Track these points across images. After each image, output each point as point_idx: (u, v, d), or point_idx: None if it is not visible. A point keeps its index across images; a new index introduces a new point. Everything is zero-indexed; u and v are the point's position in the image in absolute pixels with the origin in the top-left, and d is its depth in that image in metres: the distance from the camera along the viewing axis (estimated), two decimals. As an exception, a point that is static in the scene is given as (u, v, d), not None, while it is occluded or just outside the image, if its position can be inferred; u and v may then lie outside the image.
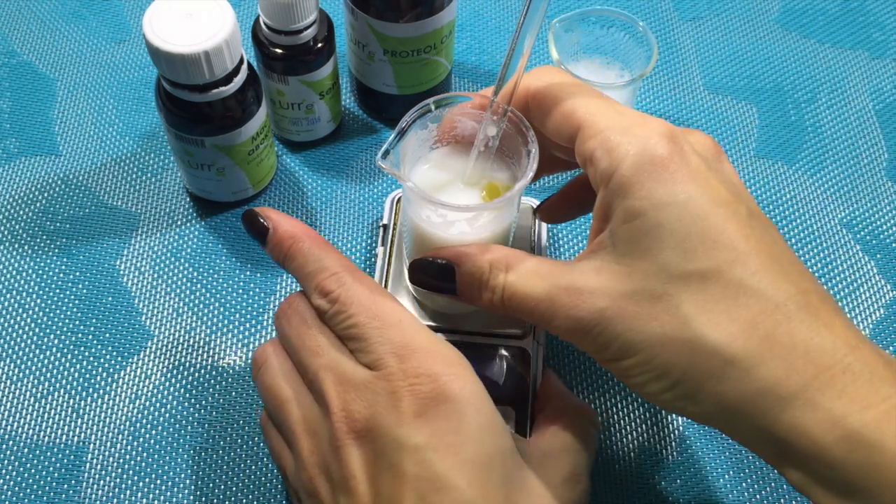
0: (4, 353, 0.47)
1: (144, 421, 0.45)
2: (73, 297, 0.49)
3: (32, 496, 0.43)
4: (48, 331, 0.48)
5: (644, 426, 0.46)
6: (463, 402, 0.31)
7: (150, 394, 0.46)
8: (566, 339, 0.32)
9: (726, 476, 0.45)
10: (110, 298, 0.49)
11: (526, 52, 0.33)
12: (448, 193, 0.39)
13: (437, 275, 0.36)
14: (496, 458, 0.31)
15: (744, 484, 0.44)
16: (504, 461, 0.32)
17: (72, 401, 0.46)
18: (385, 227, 0.46)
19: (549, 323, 0.32)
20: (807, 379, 0.28)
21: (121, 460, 0.44)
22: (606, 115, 0.32)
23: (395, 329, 0.33)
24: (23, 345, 0.47)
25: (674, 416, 0.46)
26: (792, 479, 0.29)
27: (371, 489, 0.31)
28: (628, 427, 0.46)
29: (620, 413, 0.46)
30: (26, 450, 0.44)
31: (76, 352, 0.47)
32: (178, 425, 0.45)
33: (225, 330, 0.48)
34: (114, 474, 0.43)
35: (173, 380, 0.46)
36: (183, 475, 0.44)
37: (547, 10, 0.33)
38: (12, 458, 0.44)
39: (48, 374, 0.46)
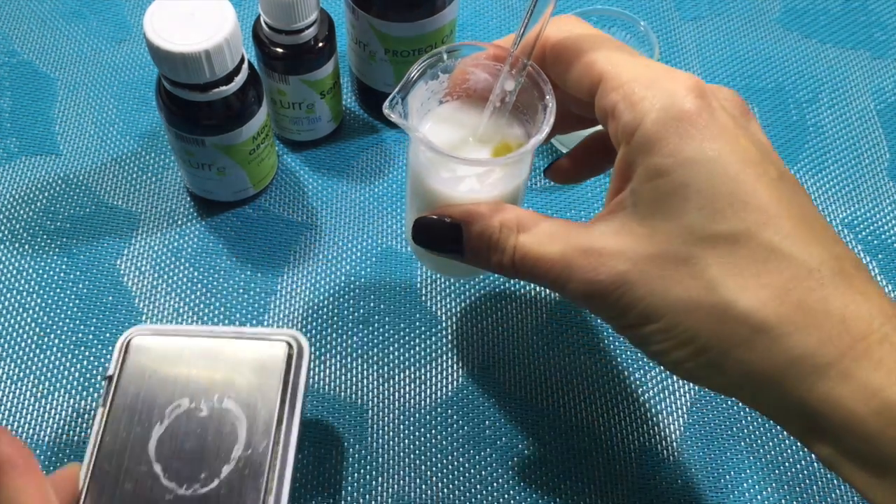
0: (5, 353, 0.47)
1: (145, 421, 0.45)
2: (73, 296, 0.49)
3: (33, 496, 0.43)
4: (48, 330, 0.48)
5: (644, 426, 0.46)
6: None
7: (150, 393, 0.46)
8: (581, 305, 0.31)
9: (727, 476, 0.44)
10: (111, 298, 0.49)
11: (552, 2, 0.31)
12: (458, 149, 0.36)
13: (443, 234, 0.34)
14: None
15: (745, 485, 0.44)
16: None
17: (72, 400, 0.46)
18: (109, 378, 0.38)
19: (564, 286, 0.31)
20: (842, 349, 0.27)
21: (121, 460, 0.44)
22: (630, 66, 0.30)
23: None
24: (23, 344, 0.47)
25: (674, 416, 0.46)
26: (821, 453, 0.28)
27: None
28: (628, 427, 0.46)
29: (621, 413, 0.46)
30: (27, 449, 0.44)
31: (76, 351, 0.47)
32: (178, 425, 0.45)
33: (225, 329, 0.48)
34: (114, 474, 0.43)
35: (174, 379, 0.46)
36: (183, 475, 0.44)
37: None
38: (12, 457, 0.44)
39: (48, 374, 0.46)
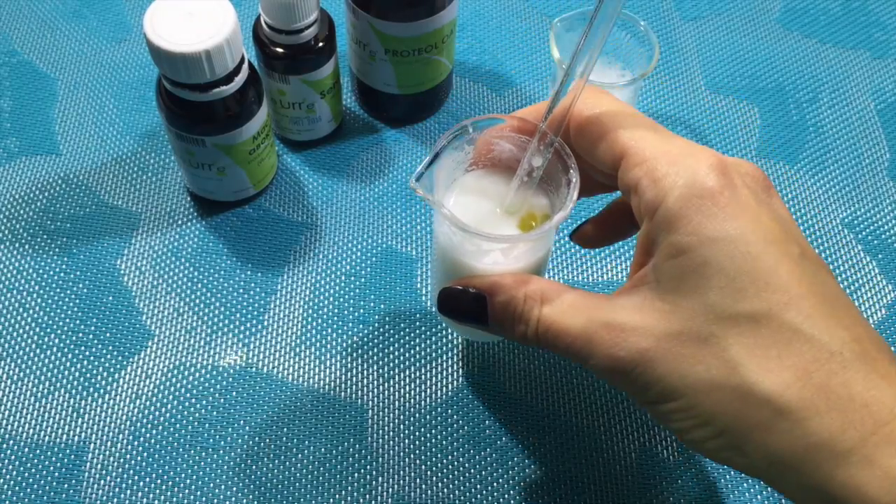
0: (5, 353, 0.47)
1: (145, 420, 0.45)
2: (73, 296, 0.49)
3: (33, 496, 0.43)
4: (49, 330, 0.48)
5: (644, 426, 0.46)
6: None
7: (150, 393, 0.46)
8: (603, 378, 0.31)
9: (727, 476, 0.44)
10: (111, 298, 0.49)
11: (581, 80, 0.32)
12: (483, 220, 0.37)
13: (468, 305, 0.34)
14: None
15: (745, 484, 0.44)
16: None
17: (72, 400, 0.46)
18: None
19: (586, 361, 0.31)
20: (864, 434, 0.27)
21: (121, 460, 0.44)
22: (654, 142, 0.31)
23: None
24: (23, 344, 0.47)
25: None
26: None
27: None
28: (628, 427, 0.46)
29: (621, 413, 0.46)
30: (27, 449, 0.44)
31: (77, 351, 0.47)
32: (178, 425, 0.45)
33: (225, 330, 0.48)
34: (114, 474, 0.43)
35: (174, 379, 0.46)
36: (183, 475, 0.44)
37: (606, 38, 0.31)
38: (13, 457, 0.44)
39: (49, 374, 0.46)
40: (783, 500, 0.44)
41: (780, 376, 0.27)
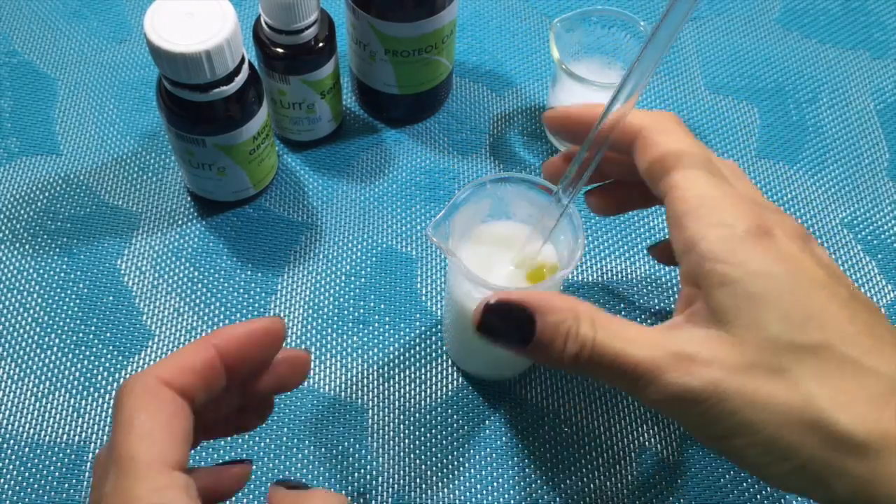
0: (5, 353, 0.47)
1: (145, 420, 0.45)
2: (74, 296, 0.49)
3: (33, 495, 0.43)
4: (49, 330, 0.48)
5: (644, 426, 0.46)
6: None
7: (150, 393, 0.46)
8: (659, 407, 0.30)
9: (727, 476, 0.45)
10: (111, 298, 0.49)
11: (629, 103, 0.33)
12: (495, 269, 0.39)
13: (514, 321, 0.32)
14: None
15: (744, 484, 0.44)
16: None
17: (73, 400, 0.46)
18: None
19: (645, 388, 0.30)
20: None
21: (121, 460, 0.44)
22: (702, 185, 0.32)
23: (120, 471, 0.27)
24: (24, 344, 0.47)
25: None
26: None
27: None
28: (628, 427, 0.46)
29: (621, 413, 0.46)
30: (27, 449, 0.44)
31: (77, 351, 0.47)
32: (178, 425, 0.45)
33: (226, 329, 0.48)
34: (114, 474, 0.43)
35: (174, 379, 0.46)
36: (183, 475, 0.44)
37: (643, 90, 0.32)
38: (13, 457, 0.44)
39: (49, 374, 0.46)
40: (782, 501, 0.44)
41: (856, 409, 0.27)
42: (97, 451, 0.44)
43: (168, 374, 0.29)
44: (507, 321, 0.32)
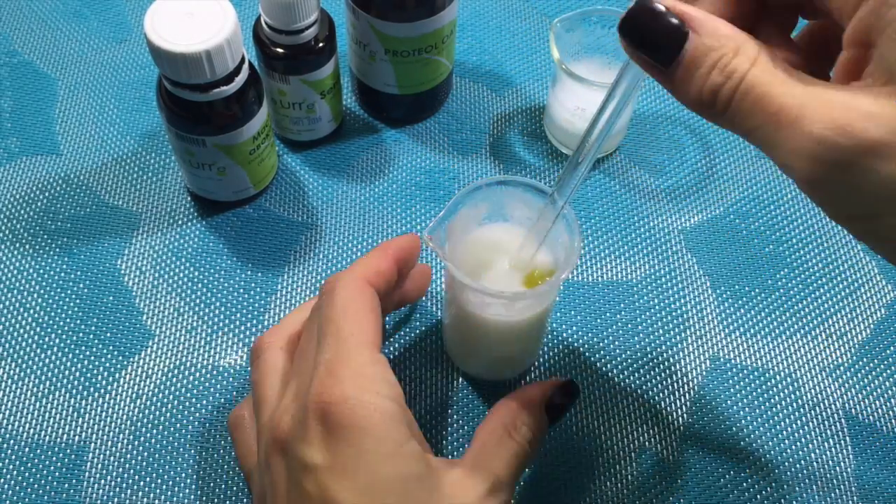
0: (6, 353, 0.47)
1: (145, 420, 0.45)
2: (74, 296, 0.49)
3: (33, 495, 0.43)
4: (49, 330, 0.48)
5: (644, 426, 0.46)
6: (365, 428, 0.31)
7: (150, 393, 0.46)
8: (795, 169, 0.25)
9: (727, 476, 0.45)
10: (111, 298, 0.49)
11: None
12: (491, 272, 0.40)
13: (664, 29, 0.27)
14: (395, 484, 0.31)
15: (744, 484, 0.44)
16: (405, 487, 0.32)
17: (73, 400, 0.46)
18: None
19: (785, 140, 0.25)
20: None
21: (122, 459, 0.44)
22: None
23: (340, 343, 0.33)
24: (24, 344, 0.47)
25: (674, 416, 0.46)
26: None
27: (281, 499, 0.32)
28: (628, 427, 0.46)
29: (621, 413, 0.46)
30: (27, 449, 0.44)
31: (77, 351, 0.47)
32: (178, 425, 0.45)
33: (226, 329, 0.48)
34: (115, 473, 0.44)
35: (174, 379, 0.46)
36: (183, 475, 0.44)
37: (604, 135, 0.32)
38: (13, 457, 0.44)
39: (49, 374, 0.46)
40: (782, 501, 0.44)
41: None
42: (97, 451, 0.44)
43: (368, 274, 0.36)
44: (655, 26, 0.27)
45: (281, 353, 0.38)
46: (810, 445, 0.45)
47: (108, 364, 0.47)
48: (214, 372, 0.47)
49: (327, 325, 0.34)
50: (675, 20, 0.27)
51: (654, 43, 0.27)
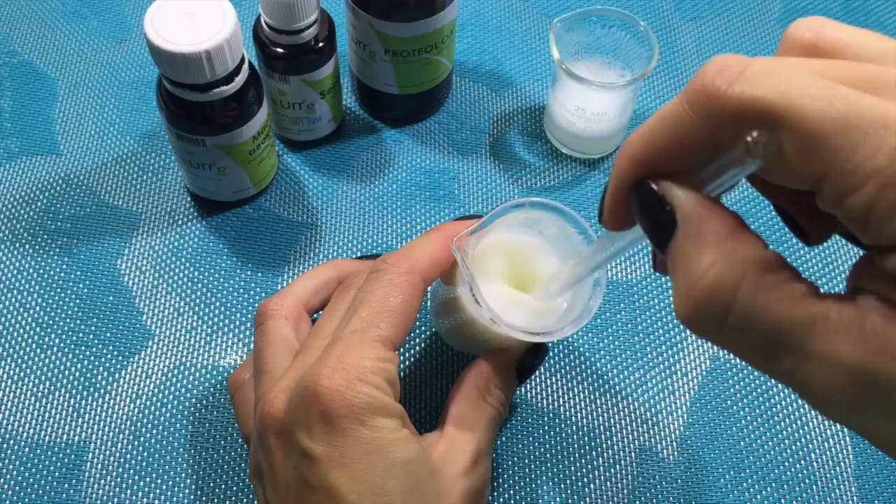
0: (5, 353, 0.47)
1: (145, 420, 0.45)
2: (74, 296, 0.49)
3: (33, 495, 0.43)
4: (49, 330, 0.48)
5: (644, 426, 0.46)
6: (362, 419, 0.32)
7: (150, 393, 0.46)
8: (807, 394, 0.23)
9: (727, 476, 0.45)
10: (111, 298, 0.49)
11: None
12: (498, 283, 0.38)
13: (653, 214, 0.25)
14: (394, 469, 0.32)
15: (744, 484, 0.44)
16: (405, 471, 0.32)
17: (73, 400, 0.46)
18: None
19: (786, 359, 0.23)
20: None
21: (121, 459, 0.44)
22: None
23: (359, 333, 0.34)
24: (24, 344, 0.47)
25: (674, 416, 0.46)
26: None
27: (281, 484, 0.33)
28: (628, 427, 0.46)
29: (621, 413, 0.46)
30: (27, 449, 0.44)
31: (77, 351, 0.47)
32: (178, 425, 0.45)
33: (226, 329, 0.48)
34: (114, 473, 0.44)
35: (174, 379, 0.46)
36: (183, 474, 0.44)
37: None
38: (13, 457, 0.44)
39: (49, 374, 0.46)
40: (782, 501, 0.44)
41: None
42: (97, 451, 0.44)
43: (423, 265, 0.36)
44: (645, 208, 0.26)
45: (286, 322, 0.38)
46: (810, 445, 0.45)
47: (107, 364, 0.47)
48: (214, 372, 0.47)
49: (361, 307, 0.34)
50: (668, 209, 0.25)
51: (646, 222, 0.26)
